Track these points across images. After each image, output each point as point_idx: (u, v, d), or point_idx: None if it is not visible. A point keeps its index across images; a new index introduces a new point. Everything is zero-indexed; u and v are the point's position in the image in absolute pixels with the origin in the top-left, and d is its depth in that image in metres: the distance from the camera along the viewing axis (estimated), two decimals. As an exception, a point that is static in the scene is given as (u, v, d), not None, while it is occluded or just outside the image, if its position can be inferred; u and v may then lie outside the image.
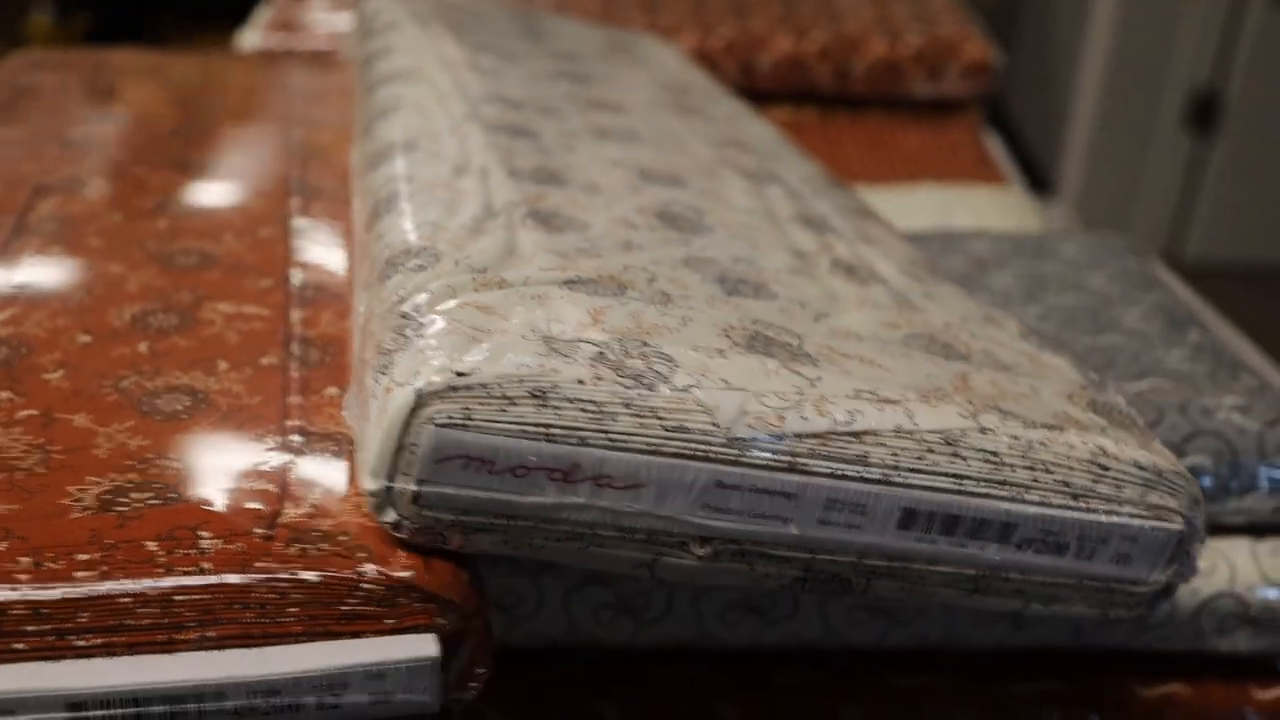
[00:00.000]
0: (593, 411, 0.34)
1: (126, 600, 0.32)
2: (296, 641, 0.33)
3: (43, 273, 0.47)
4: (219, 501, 0.35)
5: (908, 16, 1.04)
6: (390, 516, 0.34)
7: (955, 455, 0.36)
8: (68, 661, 0.32)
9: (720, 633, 0.48)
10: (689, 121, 0.65)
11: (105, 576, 0.33)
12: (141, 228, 0.52)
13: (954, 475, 0.36)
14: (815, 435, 0.35)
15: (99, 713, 0.32)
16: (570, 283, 0.40)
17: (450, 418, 0.33)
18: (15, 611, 0.32)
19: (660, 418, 0.34)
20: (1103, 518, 0.37)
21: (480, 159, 0.51)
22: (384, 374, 0.35)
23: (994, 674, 0.51)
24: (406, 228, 0.44)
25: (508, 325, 0.36)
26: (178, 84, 0.73)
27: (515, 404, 0.33)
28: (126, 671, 0.32)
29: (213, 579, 0.33)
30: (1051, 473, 0.37)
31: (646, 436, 0.34)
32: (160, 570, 0.33)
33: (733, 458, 0.34)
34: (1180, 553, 0.38)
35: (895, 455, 0.36)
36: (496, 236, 0.44)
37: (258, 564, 0.33)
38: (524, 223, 0.45)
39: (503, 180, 0.49)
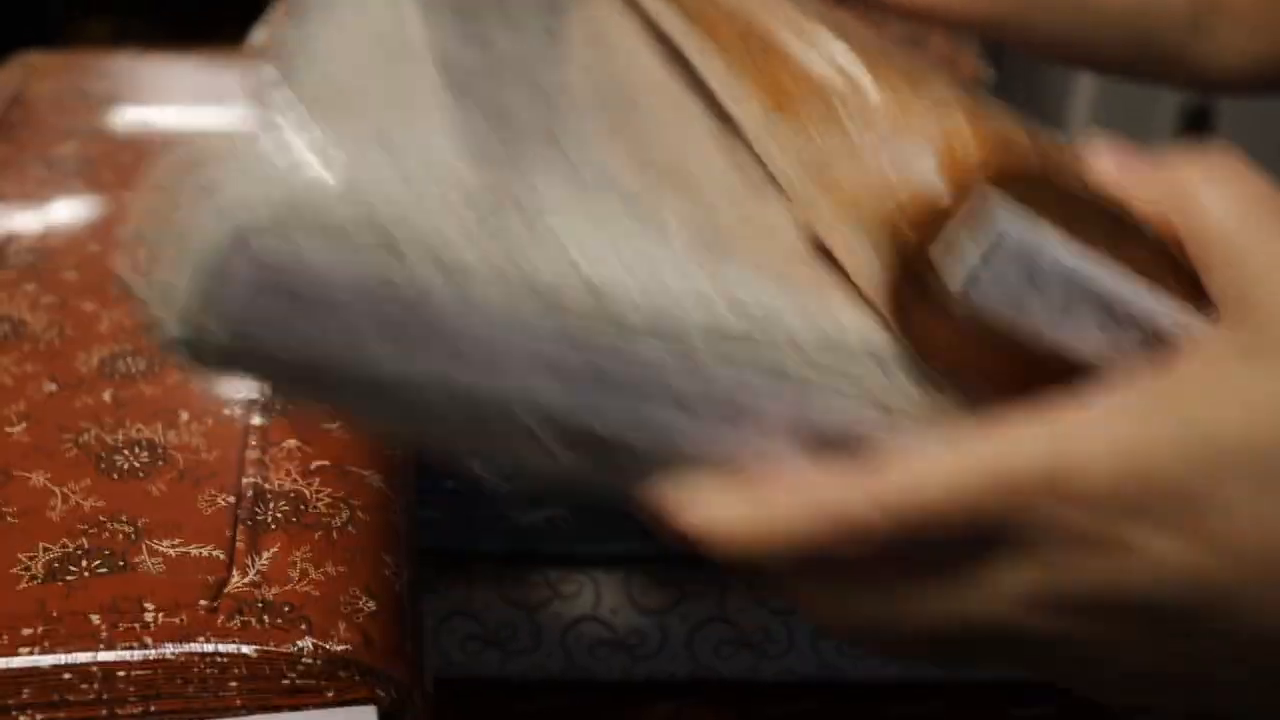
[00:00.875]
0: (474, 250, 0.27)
1: (69, 676, 0.33)
2: (238, 715, 0.34)
3: (15, 311, 0.48)
4: (166, 570, 0.35)
5: (897, 32, 1.03)
6: (182, 345, 0.28)
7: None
8: None
9: (716, 665, 0.48)
10: None
11: (47, 651, 0.33)
12: (118, 260, 0.52)
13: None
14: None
15: None
16: (447, 85, 0.32)
17: (266, 255, 0.27)
18: None
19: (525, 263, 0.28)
20: None
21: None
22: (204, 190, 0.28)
23: (990, 702, 0.51)
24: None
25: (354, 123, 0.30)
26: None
27: (359, 239, 0.28)
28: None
29: (153, 653, 0.33)
30: None
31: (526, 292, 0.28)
32: (102, 645, 0.33)
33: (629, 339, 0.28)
34: None
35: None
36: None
37: (200, 638, 0.33)
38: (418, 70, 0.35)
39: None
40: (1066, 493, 0.25)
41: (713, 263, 0.30)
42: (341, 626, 0.34)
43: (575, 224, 0.29)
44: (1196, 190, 0.27)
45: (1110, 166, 0.29)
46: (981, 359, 0.28)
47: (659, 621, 0.47)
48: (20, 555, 0.35)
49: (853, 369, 0.29)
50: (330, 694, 0.34)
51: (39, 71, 0.76)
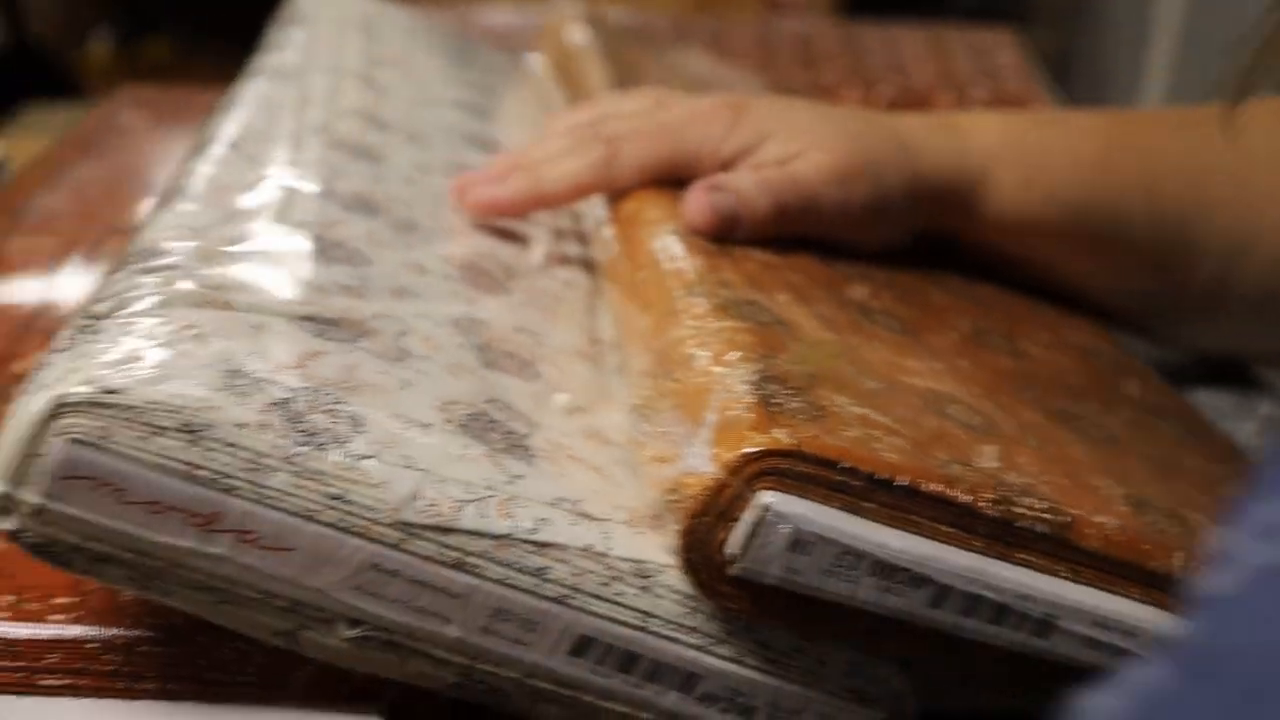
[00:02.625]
0: (246, 459, 0.31)
1: (93, 645, 0.35)
2: (252, 703, 0.35)
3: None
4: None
5: (973, 71, 1.03)
6: (10, 524, 0.31)
7: (645, 590, 0.33)
8: (32, 700, 0.34)
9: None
10: None
11: (77, 621, 0.35)
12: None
13: (640, 610, 0.33)
14: (492, 536, 0.32)
15: None
16: (304, 318, 0.37)
17: (85, 434, 0.30)
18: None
19: (323, 482, 0.31)
20: (798, 689, 0.34)
21: (299, 173, 0.47)
22: (39, 371, 0.32)
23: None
24: (165, 226, 0.41)
25: (200, 350, 0.33)
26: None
27: (163, 434, 0.30)
28: (86, 715, 0.34)
29: (179, 635, 0.35)
30: (751, 631, 0.34)
31: (303, 499, 0.31)
32: (128, 620, 0.35)
33: (394, 541, 0.32)
34: None
35: (578, 576, 0.33)
36: (259, 254, 0.40)
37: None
38: (297, 243, 0.42)
39: (308, 200, 0.46)
40: None
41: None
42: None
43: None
44: None
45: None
46: (769, 606, 0.33)
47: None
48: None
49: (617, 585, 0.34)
50: (343, 691, 0.35)
51: (140, 103, 0.81)
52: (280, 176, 0.47)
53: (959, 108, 0.97)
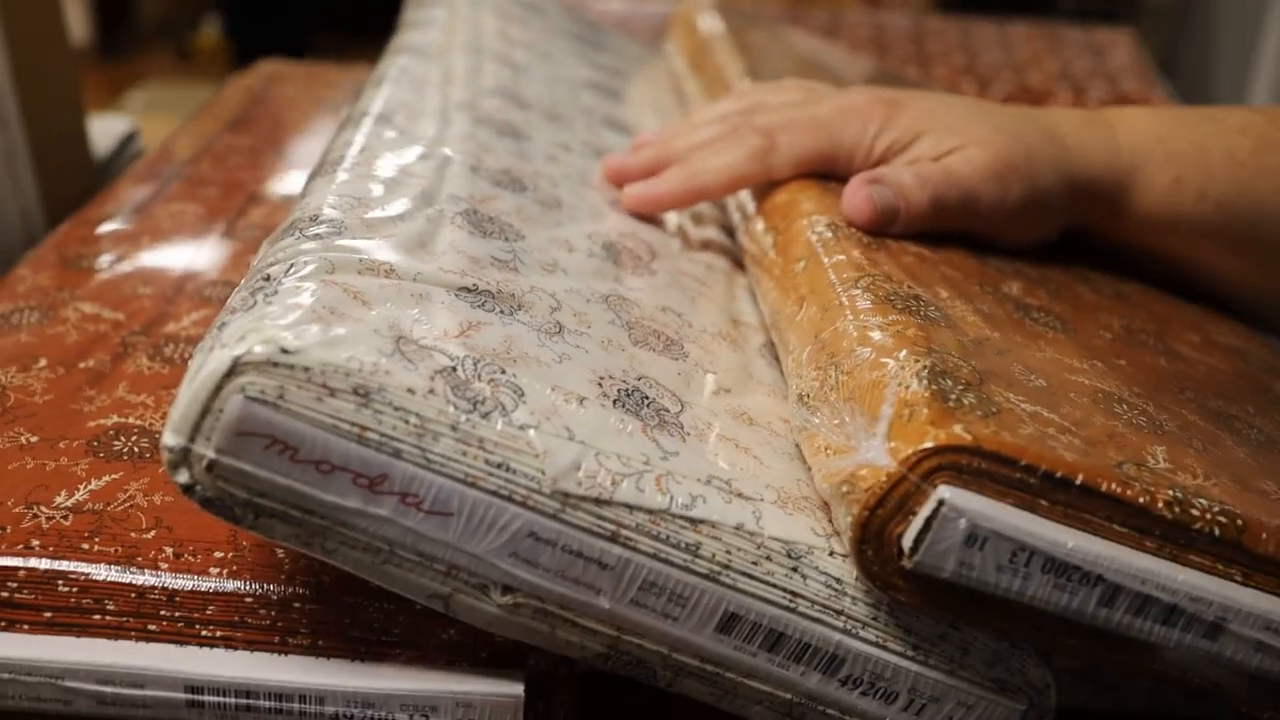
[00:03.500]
0: (414, 424, 0.32)
1: (249, 600, 0.35)
2: (396, 662, 0.36)
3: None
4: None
5: (1090, 70, 1.02)
6: (183, 478, 0.32)
7: (795, 570, 0.34)
8: (191, 648, 0.35)
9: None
10: None
11: (234, 575, 0.36)
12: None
13: (788, 590, 0.34)
14: (647, 510, 0.33)
15: (213, 699, 0.35)
16: (463, 289, 0.38)
17: (262, 392, 0.31)
18: (152, 596, 0.35)
19: (485, 449, 0.32)
20: (941, 676, 0.34)
21: (450, 148, 0.49)
22: (218, 330, 0.33)
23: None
24: (325, 194, 0.42)
25: (367, 315, 0.34)
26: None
27: (335, 396, 0.31)
28: (242, 665, 0.35)
29: (327, 594, 0.36)
30: (896, 616, 0.34)
31: (466, 465, 0.32)
32: (282, 577, 0.36)
33: (552, 511, 0.32)
34: None
35: (729, 553, 0.33)
36: (416, 224, 0.41)
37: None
38: (453, 219, 0.43)
39: (459, 173, 0.47)
40: None
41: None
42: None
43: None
44: None
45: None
46: (939, 599, 0.33)
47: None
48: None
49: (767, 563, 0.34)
50: (483, 655, 0.36)
51: (279, 78, 0.82)
52: (430, 150, 0.48)
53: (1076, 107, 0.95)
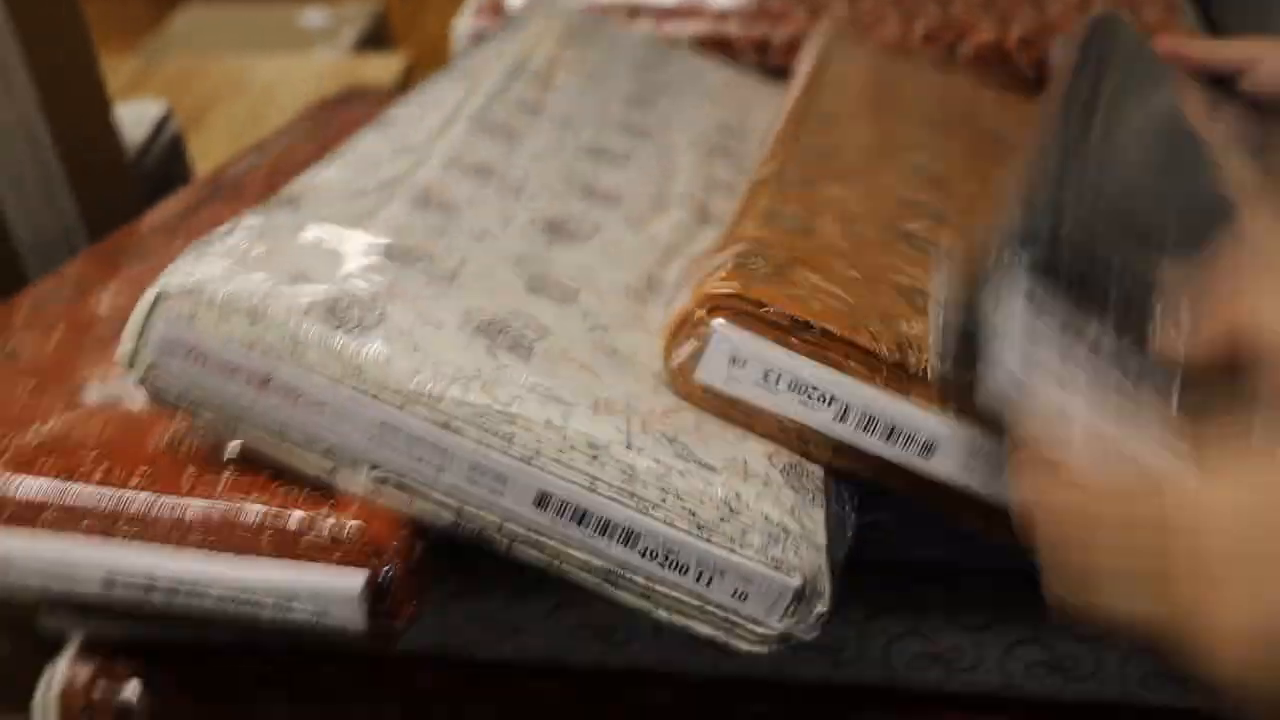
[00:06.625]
0: (289, 339, 0.41)
1: (157, 506, 0.43)
2: (267, 557, 0.42)
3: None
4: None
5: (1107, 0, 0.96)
6: (134, 378, 0.42)
7: (594, 459, 0.41)
8: (112, 543, 0.43)
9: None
10: (712, 160, 0.67)
11: (147, 487, 0.43)
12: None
13: (589, 474, 0.41)
14: (472, 406, 0.41)
15: (124, 580, 0.42)
16: (376, 245, 0.46)
17: (178, 316, 0.41)
18: (83, 503, 0.43)
19: (344, 358, 0.41)
20: (720, 552, 0.41)
21: (437, 148, 0.57)
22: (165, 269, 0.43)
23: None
24: (304, 184, 0.51)
25: (275, 261, 0.44)
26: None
27: (231, 318, 0.41)
28: (149, 558, 0.42)
29: (221, 503, 0.43)
30: (682, 500, 0.41)
31: (330, 370, 0.41)
32: (185, 488, 0.43)
33: (396, 404, 0.41)
34: (799, 608, 0.41)
35: (539, 443, 0.41)
36: (366, 203, 0.50)
37: (252, 494, 0.43)
38: (401, 200, 0.51)
39: (431, 169, 0.55)
40: None
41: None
42: (354, 507, 0.42)
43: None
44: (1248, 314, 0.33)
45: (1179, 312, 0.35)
46: (724, 410, 0.45)
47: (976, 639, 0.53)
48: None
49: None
50: (337, 555, 0.42)
51: (355, 96, 0.90)
52: (418, 150, 0.57)
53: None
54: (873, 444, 0.43)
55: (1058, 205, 0.38)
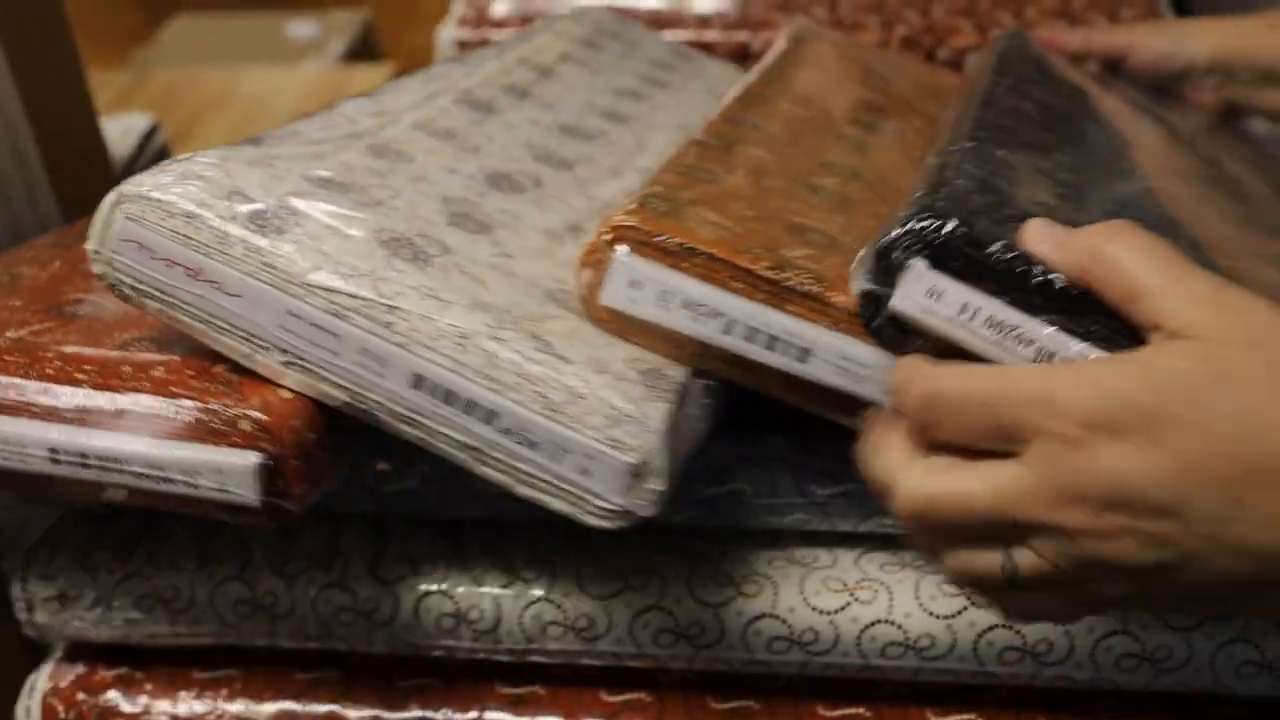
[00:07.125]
0: (218, 236, 0.47)
1: (97, 397, 0.48)
2: (181, 440, 0.47)
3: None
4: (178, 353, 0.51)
5: (1085, 6, 1.00)
6: (98, 270, 0.48)
7: (461, 347, 0.46)
8: (55, 425, 0.49)
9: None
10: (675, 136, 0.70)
11: (90, 382, 0.49)
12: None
13: (455, 360, 0.46)
14: (362, 299, 0.46)
15: (66, 466, 0.48)
16: (317, 177, 0.51)
17: (130, 216, 0.47)
18: (38, 393, 0.49)
19: (260, 255, 0.47)
20: (565, 430, 0.45)
21: (416, 112, 0.62)
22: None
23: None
24: (284, 132, 0.57)
25: (221, 178, 0.49)
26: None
27: (173, 218, 0.47)
28: (81, 438, 0.48)
29: (146, 397, 0.48)
30: (534, 385, 0.46)
31: (249, 263, 0.47)
32: (118, 384, 0.49)
33: (299, 295, 0.46)
34: (636, 485, 0.45)
35: (415, 330, 0.46)
36: (326, 146, 0.55)
37: (173, 389, 0.48)
38: (356, 147, 0.56)
39: (401, 128, 0.59)
40: (1051, 410, 0.36)
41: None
42: (255, 397, 0.48)
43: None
44: (1104, 246, 0.39)
45: (1038, 240, 0.41)
46: (627, 330, 0.50)
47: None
48: (115, 334, 0.52)
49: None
50: (236, 439, 0.47)
51: None
52: (392, 114, 0.61)
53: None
54: (757, 352, 0.48)
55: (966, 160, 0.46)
